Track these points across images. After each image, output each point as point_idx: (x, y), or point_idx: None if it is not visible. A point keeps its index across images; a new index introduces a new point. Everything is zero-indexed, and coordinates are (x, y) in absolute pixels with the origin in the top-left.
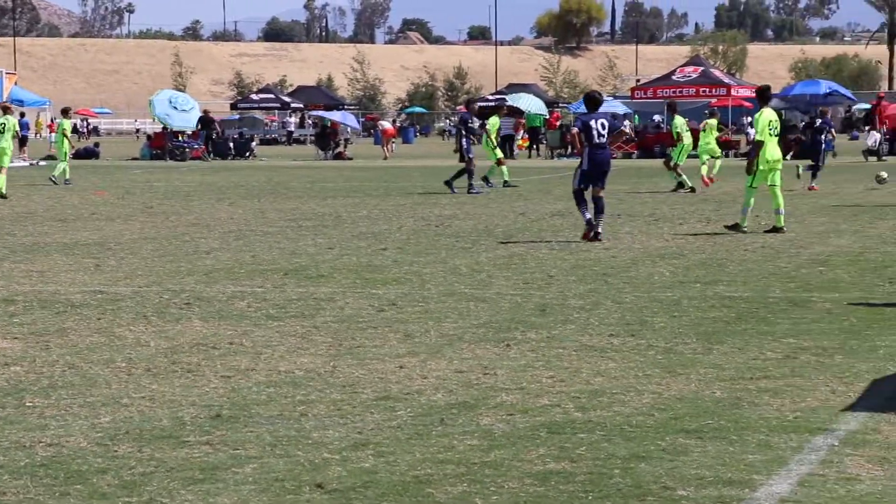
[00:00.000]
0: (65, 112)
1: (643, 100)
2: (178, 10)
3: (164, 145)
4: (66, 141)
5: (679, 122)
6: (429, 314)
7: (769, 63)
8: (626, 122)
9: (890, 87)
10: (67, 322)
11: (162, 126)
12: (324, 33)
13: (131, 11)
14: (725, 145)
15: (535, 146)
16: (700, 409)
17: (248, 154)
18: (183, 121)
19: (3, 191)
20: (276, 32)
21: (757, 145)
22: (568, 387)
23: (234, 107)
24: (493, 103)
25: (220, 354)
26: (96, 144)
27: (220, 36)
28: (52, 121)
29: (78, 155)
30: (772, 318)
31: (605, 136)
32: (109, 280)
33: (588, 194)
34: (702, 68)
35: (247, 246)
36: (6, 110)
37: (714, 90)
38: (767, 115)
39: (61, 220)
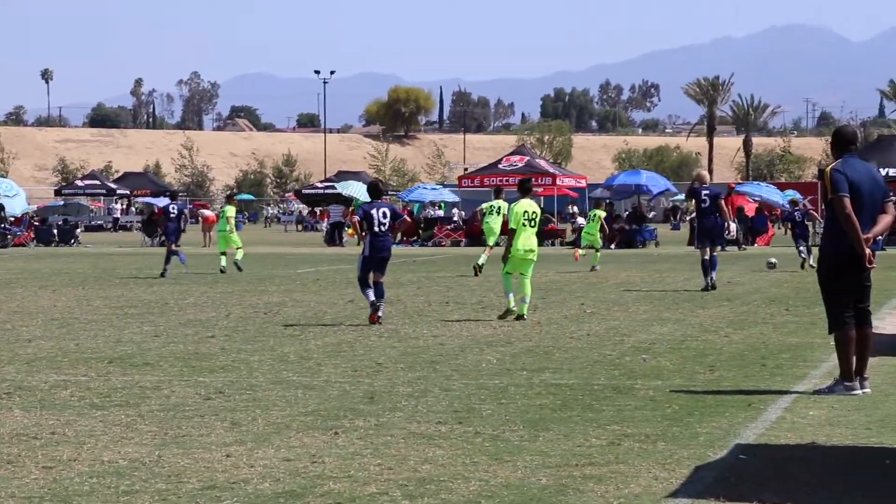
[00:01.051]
0: None
1: (471, 188)
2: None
3: None
4: None
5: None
6: (256, 402)
7: (594, 153)
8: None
9: (710, 177)
10: None
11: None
12: (151, 119)
13: None
14: (551, 234)
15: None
16: (526, 496)
17: (72, 241)
18: (8, 206)
19: None
20: (102, 118)
21: (510, 234)
22: (396, 474)
23: (58, 193)
24: (321, 191)
25: (42, 445)
26: None
27: (45, 121)
28: None
29: None
30: (597, 405)
31: (386, 224)
32: None
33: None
34: (528, 157)
35: (70, 334)
36: None
37: (540, 179)
38: (523, 206)
39: None
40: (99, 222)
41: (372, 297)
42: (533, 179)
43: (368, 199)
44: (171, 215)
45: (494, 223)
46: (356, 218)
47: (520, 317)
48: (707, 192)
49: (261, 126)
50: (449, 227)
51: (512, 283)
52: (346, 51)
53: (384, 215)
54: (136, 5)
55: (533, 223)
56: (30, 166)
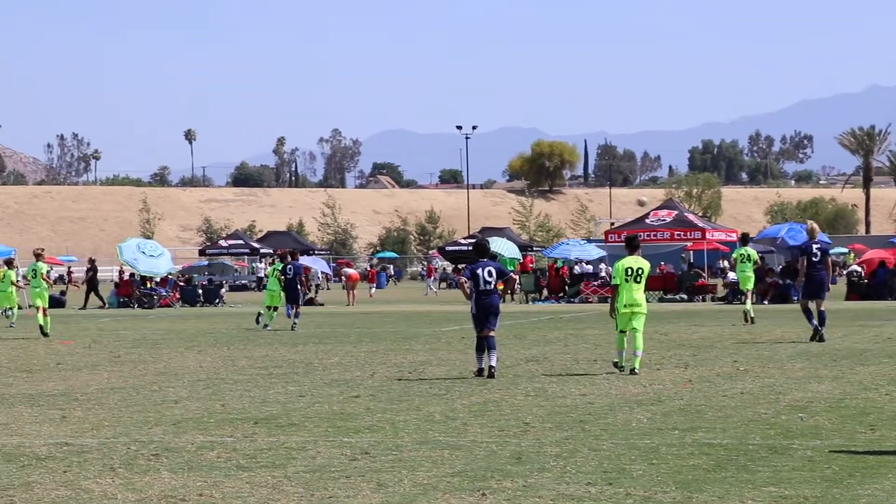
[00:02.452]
0: (38, 255)
1: (618, 243)
2: (145, 156)
3: (131, 293)
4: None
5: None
6: (402, 463)
7: (744, 206)
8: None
9: (867, 230)
10: (32, 475)
11: (129, 273)
12: (293, 178)
13: (97, 158)
14: (701, 289)
15: (508, 290)
16: None
17: (217, 301)
18: (151, 267)
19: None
20: (244, 177)
21: (613, 290)
22: None
23: (202, 252)
24: (465, 247)
25: None
26: (62, 293)
27: (189, 181)
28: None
29: None
30: (752, 465)
31: (492, 282)
32: (76, 431)
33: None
34: (676, 212)
35: (216, 395)
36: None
37: (688, 233)
38: (627, 262)
39: (26, 370)
40: (243, 281)
41: (482, 364)
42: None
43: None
44: (288, 276)
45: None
46: (462, 278)
47: (632, 371)
48: (818, 245)
49: (403, 183)
50: (596, 283)
51: (624, 342)
52: (488, 105)
53: (489, 273)
54: (276, 65)
55: (638, 279)
56: (175, 226)
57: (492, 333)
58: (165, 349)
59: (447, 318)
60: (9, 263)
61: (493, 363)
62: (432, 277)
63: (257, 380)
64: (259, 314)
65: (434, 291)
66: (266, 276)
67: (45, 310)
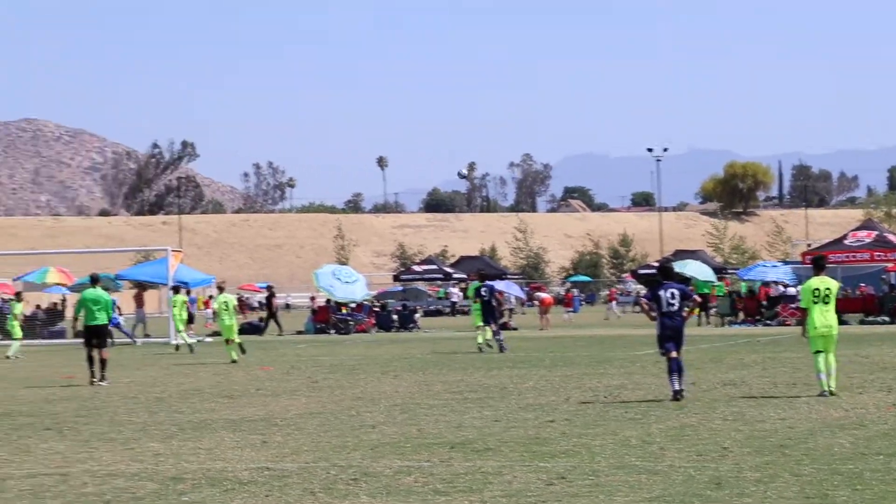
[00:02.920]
0: (220, 288)
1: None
2: (338, 184)
3: (328, 319)
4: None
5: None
6: (599, 488)
7: None
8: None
9: None
10: (235, 500)
11: (325, 300)
12: (485, 203)
13: (293, 186)
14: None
15: (704, 314)
16: None
17: (411, 326)
18: (347, 293)
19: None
20: (436, 203)
21: (803, 313)
22: None
23: (396, 278)
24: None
25: None
26: (261, 319)
27: (382, 208)
28: (209, 297)
29: (242, 330)
30: None
31: (676, 303)
32: (276, 456)
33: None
34: (876, 232)
35: (412, 419)
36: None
37: (889, 254)
38: (814, 283)
39: (228, 396)
40: (437, 307)
41: (676, 387)
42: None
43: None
44: (484, 297)
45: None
46: (644, 300)
47: (830, 393)
48: None
49: (594, 206)
50: (793, 305)
51: (821, 363)
52: (677, 128)
53: (672, 296)
54: (466, 92)
55: (827, 300)
56: (369, 252)
57: (674, 354)
58: (362, 374)
59: (642, 342)
60: (176, 290)
61: (679, 386)
62: (614, 301)
63: (452, 404)
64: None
65: (617, 315)
66: (467, 296)
67: (231, 340)
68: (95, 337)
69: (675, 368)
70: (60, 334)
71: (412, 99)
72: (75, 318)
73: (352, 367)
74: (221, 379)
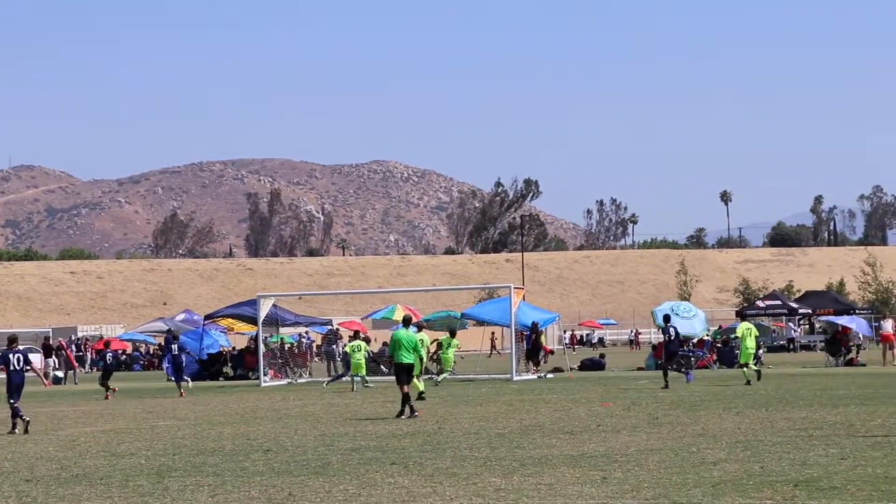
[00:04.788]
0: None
1: None
2: (681, 219)
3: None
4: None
5: None
6: None
7: None
8: None
9: None
10: None
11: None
12: (832, 237)
13: (635, 222)
14: None
15: None
16: None
17: (755, 362)
18: (687, 328)
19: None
20: (781, 237)
21: None
22: None
23: (738, 314)
24: None
25: None
26: (601, 355)
27: (725, 242)
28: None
29: (584, 366)
30: None
31: None
32: (616, 493)
33: None
34: None
35: (755, 456)
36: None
37: None
38: None
39: (568, 431)
40: (781, 343)
41: None
42: None
43: None
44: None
45: None
46: None
47: None
48: None
49: None
50: None
51: None
52: None
53: None
54: (812, 123)
55: None
56: (711, 288)
57: None
58: (703, 411)
59: None
60: (420, 327)
61: None
62: None
63: (797, 441)
64: None
65: None
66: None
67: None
68: (405, 374)
69: None
70: None
71: (757, 131)
72: (390, 357)
73: (693, 403)
74: (562, 415)
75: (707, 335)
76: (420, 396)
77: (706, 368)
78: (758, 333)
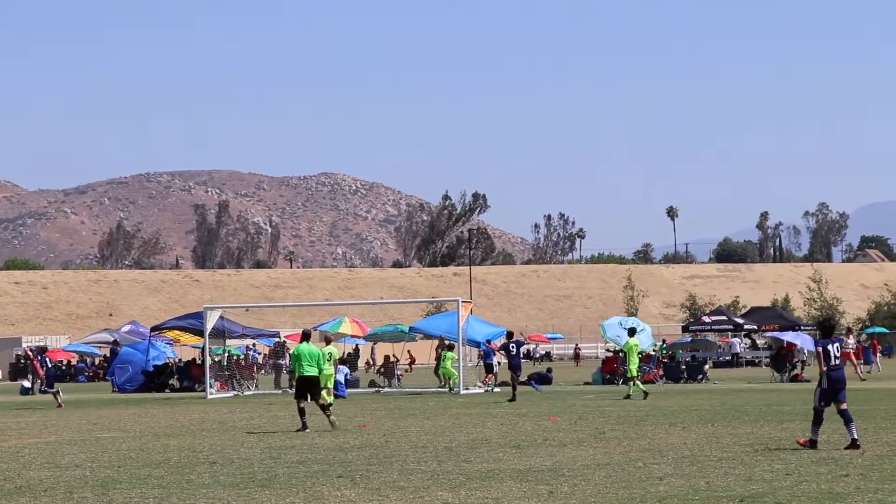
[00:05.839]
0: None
1: None
2: (628, 234)
3: (615, 369)
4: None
5: None
6: None
7: None
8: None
9: None
10: None
11: (614, 350)
12: (777, 253)
13: (582, 237)
14: None
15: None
16: None
17: (700, 377)
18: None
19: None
20: (727, 253)
21: None
22: None
23: (685, 329)
24: None
25: None
26: (549, 370)
27: (671, 258)
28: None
29: (531, 381)
30: None
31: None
32: None
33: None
34: None
35: (701, 472)
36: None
37: None
38: None
39: (515, 445)
40: (726, 358)
41: (815, 437)
42: None
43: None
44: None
45: None
46: (818, 349)
47: None
48: None
49: (893, 256)
50: None
51: None
52: None
53: (838, 349)
54: (756, 144)
55: None
56: (658, 303)
57: (844, 406)
58: (649, 426)
59: None
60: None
61: (856, 435)
62: (877, 355)
63: (742, 457)
64: None
65: (879, 369)
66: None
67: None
68: (307, 388)
69: (846, 418)
70: (353, 384)
71: (702, 149)
72: (291, 372)
73: (639, 418)
74: (509, 429)
75: (653, 350)
76: (328, 406)
77: (652, 383)
78: (642, 351)
